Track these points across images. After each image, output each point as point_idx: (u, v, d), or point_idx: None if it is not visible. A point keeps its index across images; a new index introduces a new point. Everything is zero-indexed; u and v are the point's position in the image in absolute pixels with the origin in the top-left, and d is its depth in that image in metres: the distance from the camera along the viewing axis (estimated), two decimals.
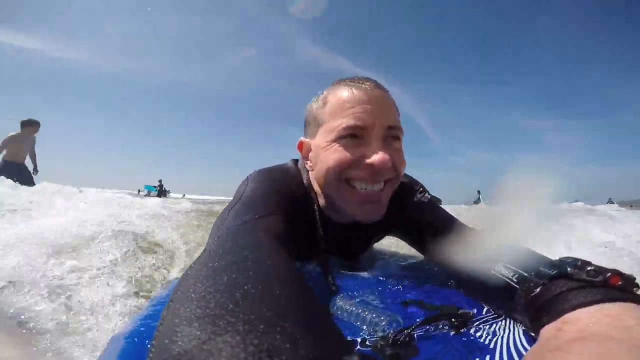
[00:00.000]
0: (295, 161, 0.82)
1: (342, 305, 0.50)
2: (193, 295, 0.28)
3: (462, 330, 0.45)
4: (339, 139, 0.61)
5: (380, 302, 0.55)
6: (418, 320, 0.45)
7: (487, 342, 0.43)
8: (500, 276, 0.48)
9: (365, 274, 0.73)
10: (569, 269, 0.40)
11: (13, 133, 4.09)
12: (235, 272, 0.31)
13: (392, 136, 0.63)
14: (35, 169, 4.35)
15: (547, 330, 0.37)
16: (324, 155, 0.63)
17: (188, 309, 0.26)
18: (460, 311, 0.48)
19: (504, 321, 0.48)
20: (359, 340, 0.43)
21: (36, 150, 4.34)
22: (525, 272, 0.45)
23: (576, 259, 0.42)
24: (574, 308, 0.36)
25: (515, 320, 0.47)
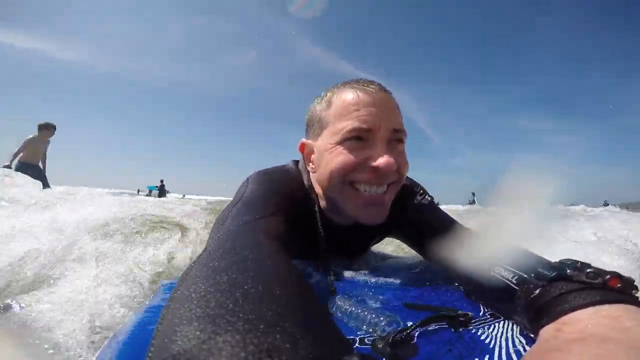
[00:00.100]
0: (296, 162, 0.82)
1: (342, 305, 0.50)
2: (193, 294, 0.28)
3: (460, 330, 0.46)
4: (343, 141, 0.61)
5: (379, 302, 0.56)
6: (417, 321, 0.45)
7: (486, 342, 0.43)
8: (500, 278, 0.48)
9: (365, 275, 0.73)
10: (568, 271, 0.40)
11: (31, 136, 4.24)
12: (236, 272, 0.31)
13: (396, 139, 0.64)
14: (44, 170, 4.44)
15: (546, 331, 0.37)
16: (328, 157, 0.63)
17: (188, 309, 0.26)
18: (459, 312, 0.48)
19: (503, 322, 0.48)
20: (358, 340, 0.43)
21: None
22: (525, 274, 0.45)
23: (575, 261, 0.42)
24: (573, 309, 0.36)
25: (514, 321, 0.47)
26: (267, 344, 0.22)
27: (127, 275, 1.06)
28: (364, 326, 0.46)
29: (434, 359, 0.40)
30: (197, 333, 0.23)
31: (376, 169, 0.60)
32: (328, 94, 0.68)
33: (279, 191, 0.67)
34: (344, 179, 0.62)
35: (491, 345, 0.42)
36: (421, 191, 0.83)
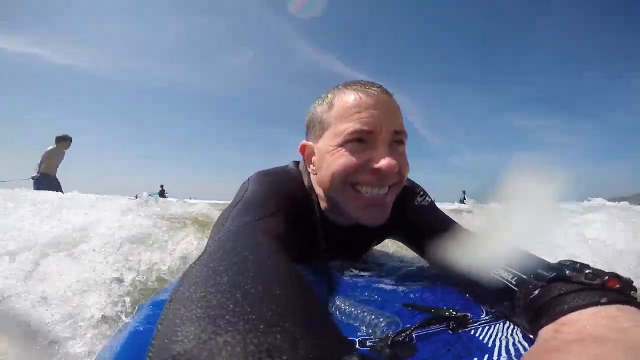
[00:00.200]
0: (297, 163, 0.83)
1: (342, 305, 0.51)
2: (193, 295, 0.28)
3: (460, 331, 0.46)
4: (345, 143, 0.61)
5: (379, 303, 0.56)
6: (417, 321, 0.45)
7: (485, 343, 0.43)
8: (500, 278, 0.48)
9: (365, 275, 0.73)
10: (567, 272, 0.40)
11: (50, 148, 4.54)
12: (236, 272, 0.32)
13: (397, 140, 0.64)
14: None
15: (545, 332, 0.37)
16: (330, 159, 0.63)
17: (188, 309, 0.26)
18: (458, 313, 0.48)
19: (502, 323, 0.48)
20: (357, 341, 0.43)
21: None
22: (524, 275, 0.45)
23: (574, 262, 0.42)
24: (571, 310, 0.36)
25: (514, 322, 0.48)
26: (267, 344, 0.22)
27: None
28: (364, 327, 0.46)
29: (433, 359, 0.40)
30: (198, 333, 0.23)
31: (378, 170, 0.60)
32: (329, 96, 0.68)
33: (279, 192, 0.67)
34: (345, 180, 0.62)
35: (490, 346, 0.42)
36: (421, 192, 0.83)
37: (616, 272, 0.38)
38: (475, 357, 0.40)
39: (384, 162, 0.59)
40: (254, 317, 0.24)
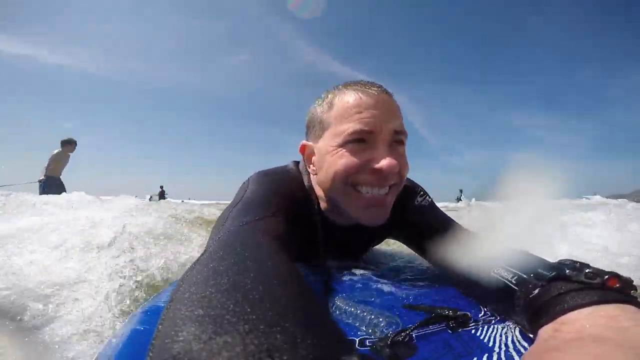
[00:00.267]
0: (297, 163, 0.83)
1: (341, 305, 0.51)
2: (194, 295, 0.28)
3: (460, 330, 0.46)
4: (345, 143, 0.61)
5: (379, 303, 0.56)
6: (417, 321, 0.45)
7: (485, 342, 0.43)
8: (500, 278, 0.48)
9: (364, 275, 0.73)
10: (567, 271, 0.40)
11: (56, 151, 4.74)
12: (236, 272, 0.32)
13: (397, 141, 0.64)
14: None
15: (545, 331, 0.37)
16: (331, 159, 0.63)
17: (189, 309, 0.26)
18: (458, 313, 0.49)
19: (502, 322, 0.48)
20: (357, 341, 0.43)
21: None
22: (524, 274, 0.45)
23: (574, 261, 0.42)
24: (571, 309, 0.36)
25: (513, 321, 0.48)
26: (267, 344, 0.22)
27: None
28: (364, 327, 0.46)
29: (433, 359, 0.40)
30: (198, 333, 0.23)
31: (379, 170, 0.60)
32: (329, 96, 0.67)
33: (279, 192, 0.67)
34: (346, 181, 0.62)
35: (490, 345, 0.42)
36: (421, 192, 0.83)
37: (614, 270, 0.38)
38: (475, 356, 0.40)
39: (384, 162, 0.59)
40: (254, 317, 0.24)
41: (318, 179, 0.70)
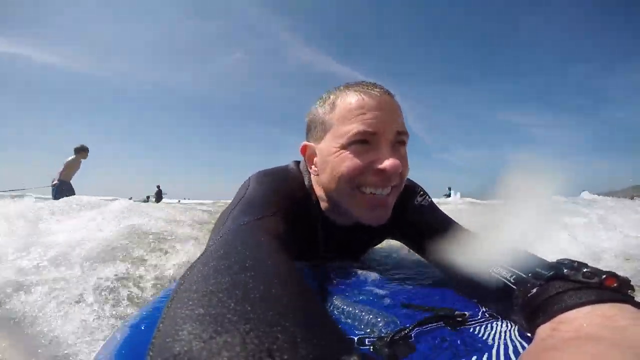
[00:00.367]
0: (297, 163, 0.83)
1: (340, 305, 0.51)
2: (194, 294, 0.28)
3: (458, 330, 0.46)
4: (349, 144, 0.61)
5: (378, 303, 0.56)
6: (415, 321, 0.45)
7: (483, 341, 0.43)
8: (499, 277, 0.48)
9: (364, 275, 0.73)
10: (565, 271, 0.40)
11: (70, 158, 5.03)
12: (236, 272, 0.32)
13: (399, 141, 0.64)
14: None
15: (543, 330, 0.37)
16: (334, 161, 0.63)
17: (189, 308, 0.26)
18: (456, 312, 0.49)
19: (500, 321, 0.49)
20: (356, 340, 0.43)
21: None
22: (523, 274, 0.45)
23: (572, 261, 0.42)
24: (569, 308, 0.36)
25: (512, 320, 0.48)
26: (267, 343, 0.22)
27: None
28: (362, 326, 0.46)
29: (431, 358, 0.40)
30: (199, 333, 0.23)
31: (382, 171, 0.60)
32: (331, 97, 0.67)
33: (279, 191, 0.67)
34: (351, 183, 0.62)
35: (489, 344, 0.42)
36: (421, 192, 0.83)
37: (611, 269, 0.39)
38: (474, 355, 0.40)
39: (387, 163, 0.59)
40: (254, 316, 0.24)
41: (320, 180, 0.70)
